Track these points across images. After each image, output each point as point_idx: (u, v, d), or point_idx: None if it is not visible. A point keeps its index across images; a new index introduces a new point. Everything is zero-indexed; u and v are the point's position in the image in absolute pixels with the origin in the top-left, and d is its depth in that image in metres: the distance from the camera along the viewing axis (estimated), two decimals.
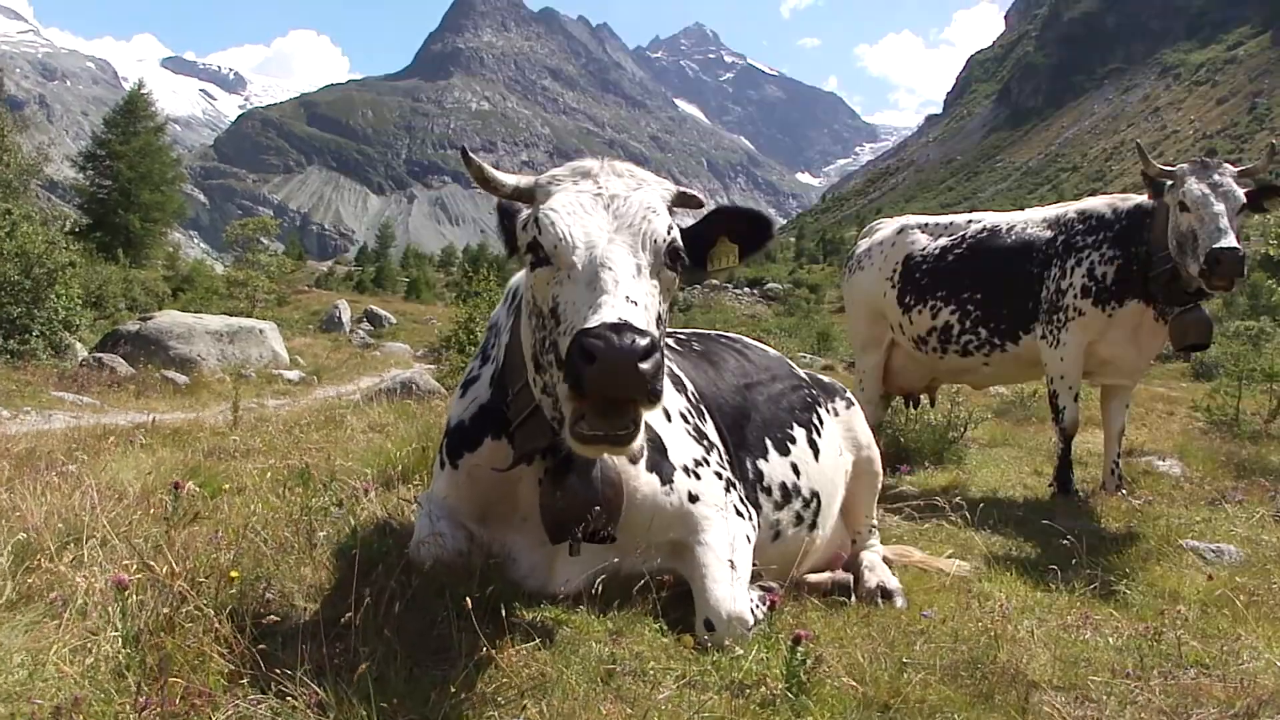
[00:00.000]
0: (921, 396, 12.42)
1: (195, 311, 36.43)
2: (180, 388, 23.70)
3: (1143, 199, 10.12)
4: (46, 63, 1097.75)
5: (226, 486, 7.27)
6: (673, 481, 4.95)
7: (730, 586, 4.75)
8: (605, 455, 4.21)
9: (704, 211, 4.59)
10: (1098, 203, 10.60)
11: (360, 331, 59.91)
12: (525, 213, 4.26)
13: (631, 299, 3.71)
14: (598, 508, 4.44)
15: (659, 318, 3.98)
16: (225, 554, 4.76)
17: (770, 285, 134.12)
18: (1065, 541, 6.98)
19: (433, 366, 29.14)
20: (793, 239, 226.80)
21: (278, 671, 3.60)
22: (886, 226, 12.30)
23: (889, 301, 11.62)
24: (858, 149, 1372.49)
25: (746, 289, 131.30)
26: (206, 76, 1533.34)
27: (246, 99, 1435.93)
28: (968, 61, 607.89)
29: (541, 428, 4.44)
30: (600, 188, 4.15)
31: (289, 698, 3.52)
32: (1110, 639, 5.36)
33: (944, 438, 12.79)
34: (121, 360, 26.58)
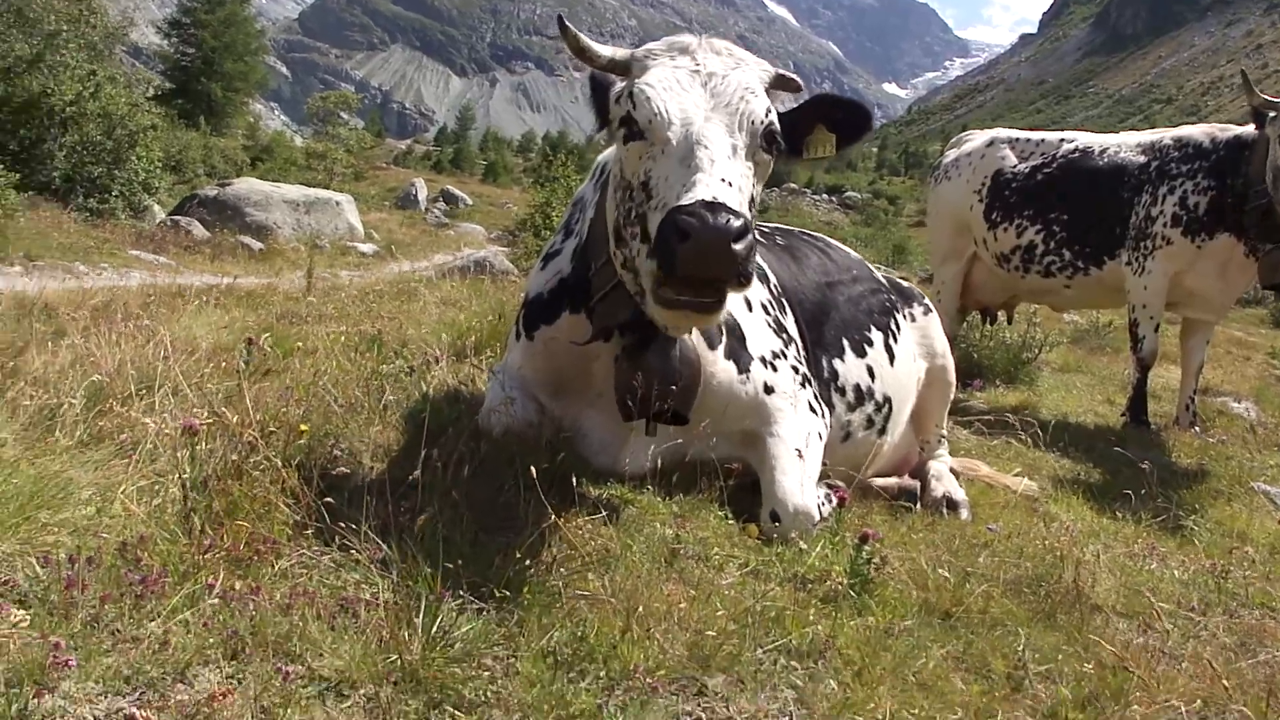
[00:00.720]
0: (999, 314, 12.23)
1: (273, 181, 36.61)
2: (255, 254, 23.90)
3: (1243, 130, 9.83)
4: None
5: (299, 346, 7.28)
6: (749, 371, 4.90)
7: (799, 480, 4.71)
8: (689, 326, 4.15)
9: (802, 97, 4.49)
10: (1195, 130, 10.29)
11: (435, 210, 59.98)
12: (619, 86, 4.18)
13: (726, 179, 3.64)
14: (674, 387, 4.39)
15: (751, 201, 3.91)
16: (295, 409, 4.76)
17: (849, 193, 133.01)
18: (1135, 471, 6.85)
19: (507, 249, 29.11)
20: (875, 149, 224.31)
21: (342, 525, 3.60)
22: (976, 138, 12.05)
23: (975, 215, 11.39)
24: (947, 63, 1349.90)
25: (825, 195, 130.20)
26: None
27: None
28: None
29: (623, 303, 4.39)
30: (698, 64, 4.05)
31: (352, 551, 3.52)
32: (1176, 572, 5.27)
33: (1017, 358, 12.61)
34: (198, 224, 26.88)
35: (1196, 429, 10.19)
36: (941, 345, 6.67)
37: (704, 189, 3.54)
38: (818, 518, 4.67)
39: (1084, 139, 11.14)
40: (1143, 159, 10.31)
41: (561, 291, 4.89)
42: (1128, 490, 6.42)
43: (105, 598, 3.00)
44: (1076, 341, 18.34)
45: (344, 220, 32.12)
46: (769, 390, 4.92)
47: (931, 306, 6.79)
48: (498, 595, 3.35)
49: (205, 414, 4.27)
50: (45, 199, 25.56)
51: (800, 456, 4.80)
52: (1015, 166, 11.21)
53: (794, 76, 4.41)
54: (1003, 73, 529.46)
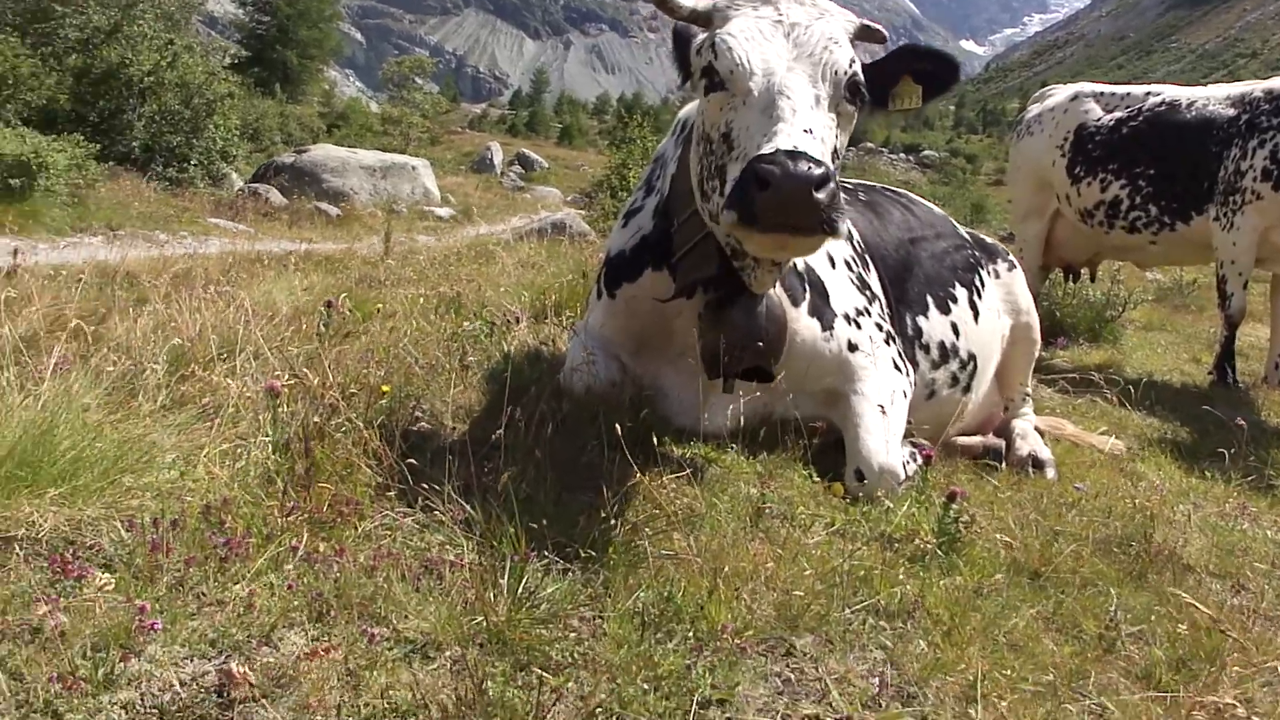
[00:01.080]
0: (1082, 271, 12.00)
1: (349, 147, 36.82)
2: (332, 219, 24.09)
3: None
4: None
5: (379, 308, 7.31)
6: (833, 328, 4.82)
7: (884, 438, 4.63)
8: (786, 256, 4.12)
9: (887, 49, 4.41)
10: None
11: (511, 174, 60.31)
12: (701, 37, 4.11)
13: (808, 129, 3.59)
14: (760, 344, 4.32)
15: (835, 152, 3.85)
16: (376, 371, 4.77)
17: (926, 152, 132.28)
18: (1224, 430, 6.72)
19: (583, 211, 29.14)
20: (952, 107, 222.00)
21: (425, 486, 3.58)
22: (1060, 93, 11.80)
23: (1057, 170, 11.17)
24: (1026, 19, 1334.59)
25: (902, 154, 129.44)
26: None
27: None
28: None
29: (708, 258, 4.31)
30: (781, 14, 3.97)
31: (436, 512, 3.51)
32: (1269, 532, 5.16)
33: (1101, 315, 12.42)
34: (276, 191, 27.15)
35: None
36: (1026, 302, 6.52)
37: (785, 138, 3.50)
38: (903, 476, 4.59)
39: (1170, 92, 10.86)
40: (1232, 112, 10.03)
41: (643, 248, 4.82)
42: (1219, 450, 6.25)
43: (189, 561, 3.00)
44: (1160, 299, 18.04)
45: (420, 185, 32.29)
46: (853, 348, 4.84)
47: (1015, 262, 6.64)
48: (583, 555, 3.34)
49: (286, 376, 4.26)
50: (125, 169, 25.77)
51: (884, 414, 4.72)
52: (1099, 120, 10.96)
53: (879, 27, 4.33)
54: (1083, 28, 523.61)
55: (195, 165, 28.12)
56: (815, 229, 3.48)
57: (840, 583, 3.43)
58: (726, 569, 3.30)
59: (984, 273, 6.21)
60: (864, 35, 4.24)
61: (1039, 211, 11.57)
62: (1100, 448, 6.58)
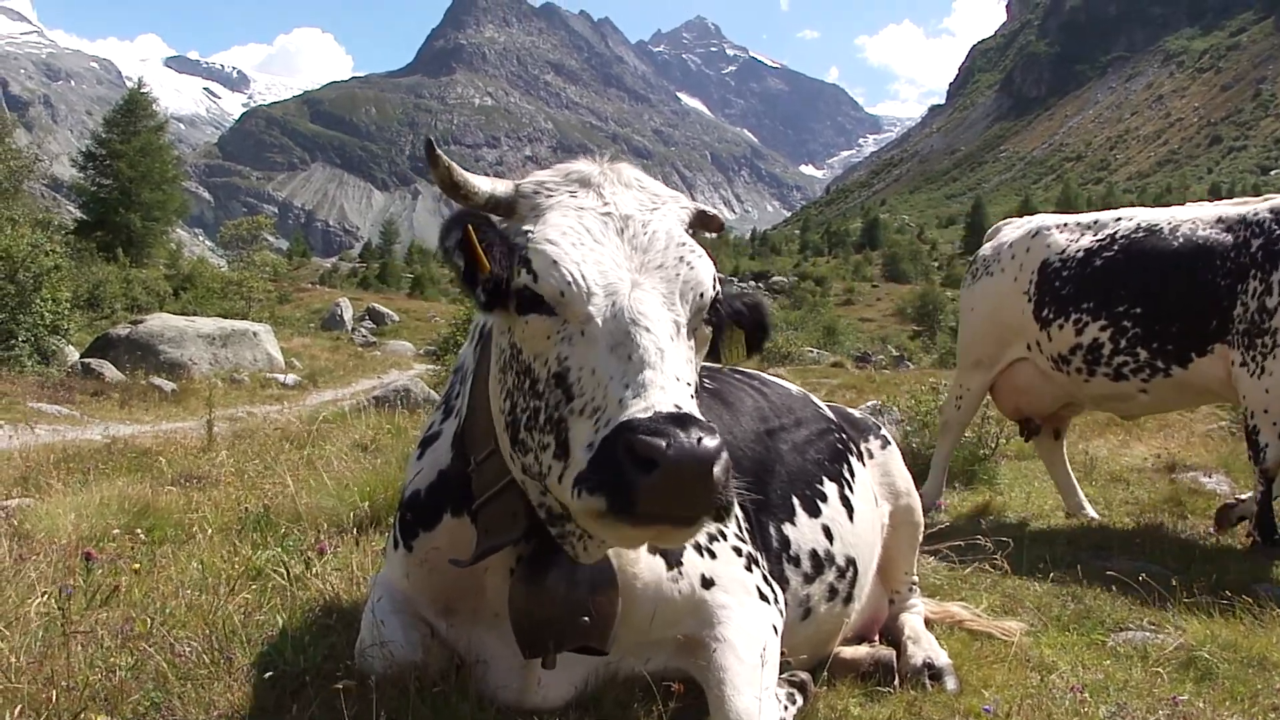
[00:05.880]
0: (1041, 426, 10.74)
1: (194, 312, 36.24)
2: (167, 395, 23.00)
3: None
4: (50, 63, 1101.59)
5: (173, 533, 6.46)
6: (681, 564, 3.92)
7: (756, 695, 3.72)
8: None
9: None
10: None
11: (362, 330, 60.10)
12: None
13: (680, 376, 2.83)
14: (585, 619, 3.45)
15: (695, 391, 3.04)
16: (124, 659, 3.80)
17: (775, 278, 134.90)
18: (1131, 589, 6.44)
19: (434, 367, 28.36)
20: (798, 232, 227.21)
21: None
22: (1016, 227, 10.71)
23: (1026, 316, 9.98)
24: (861, 140, 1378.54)
25: (751, 282, 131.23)
26: (210, 75, 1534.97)
27: (250, 97, 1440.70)
28: (970, 51, 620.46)
29: (513, 514, 3.43)
30: (607, 203, 3.19)
31: None
32: None
33: (974, 455, 11.82)
34: (110, 366, 26.29)
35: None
36: (905, 481, 5.75)
37: (659, 394, 2.72)
38: None
39: (1145, 215, 9.66)
40: (1231, 237, 8.83)
41: (441, 488, 3.88)
42: (1121, 619, 6.06)
43: None
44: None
45: (262, 351, 31.47)
46: (708, 583, 3.96)
47: (889, 438, 5.90)
48: None
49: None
50: None
51: (757, 662, 3.83)
52: (1065, 252, 9.81)
53: (715, 213, 3.58)
54: (915, 145, 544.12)
55: (24, 342, 26.85)
56: (703, 517, 2.70)
57: None
58: None
59: (854, 458, 5.42)
60: (701, 223, 3.50)
61: (990, 362, 10.46)
62: (1000, 637, 5.85)
